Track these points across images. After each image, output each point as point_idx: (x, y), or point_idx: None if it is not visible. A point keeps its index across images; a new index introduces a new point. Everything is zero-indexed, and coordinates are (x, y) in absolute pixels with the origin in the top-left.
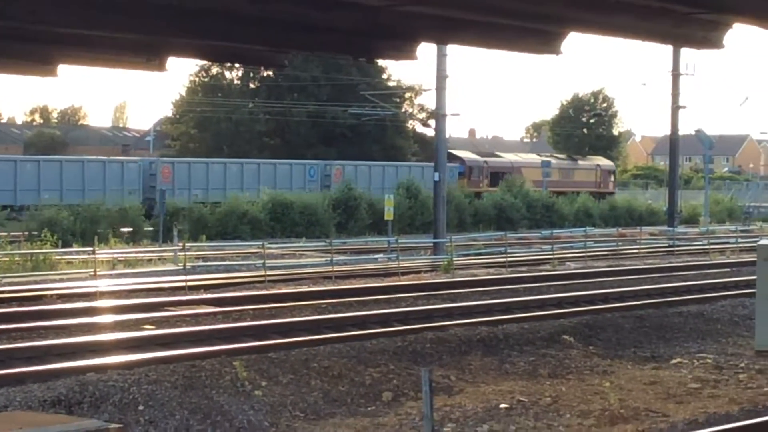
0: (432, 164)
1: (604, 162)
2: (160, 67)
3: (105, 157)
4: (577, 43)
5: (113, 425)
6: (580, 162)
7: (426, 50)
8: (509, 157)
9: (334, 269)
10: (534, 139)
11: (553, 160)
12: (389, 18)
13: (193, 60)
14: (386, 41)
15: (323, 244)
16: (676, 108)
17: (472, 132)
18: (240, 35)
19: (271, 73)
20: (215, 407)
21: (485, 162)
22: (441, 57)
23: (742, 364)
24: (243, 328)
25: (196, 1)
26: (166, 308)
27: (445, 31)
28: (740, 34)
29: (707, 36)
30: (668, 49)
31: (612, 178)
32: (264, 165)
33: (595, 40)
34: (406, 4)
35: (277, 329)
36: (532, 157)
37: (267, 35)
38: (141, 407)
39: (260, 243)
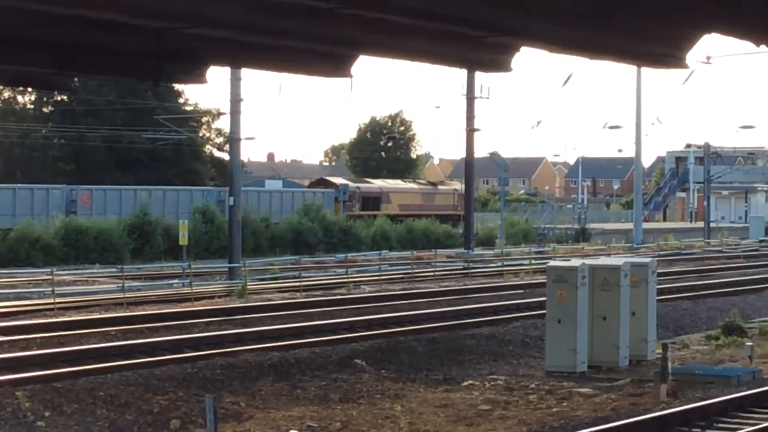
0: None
1: (459, 186)
2: None
3: (32, 185)
4: (374, 66)
5: None
6: (439, 187)
7: (222, 74)
8: (378, 183)
9: (127, 296)
10: (333, 163)
11: (416, 185)
12: (175, 41)
13: None
14: (175, 64)
15: (117, 270)
16: (471, 131)
17: (271, 156)
18: (23, 58)
19: (65, 97)
20: None
21: (357, 188)
22: (235, 81)
23: (533, 385)
24: (28, 357)
25: None
26: None
27: (235, 55)
28: (530, 58)
29: (496, 59)
30: (464, 72)
31: None
32: (168, 192)
33: (392, 63)
34: (189, 27)
35: (65, 357)
36: (398, 183)
37: (51, 58)
38: None
39: (49, 269)
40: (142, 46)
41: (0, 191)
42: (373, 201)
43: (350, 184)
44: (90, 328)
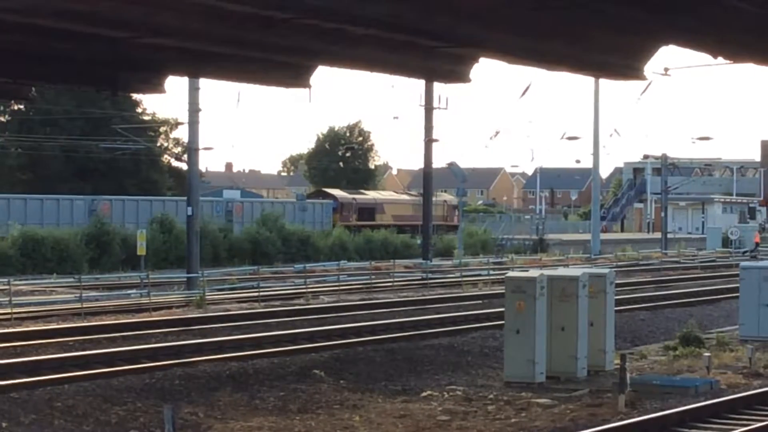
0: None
1: (449, 198)
2: None
3: (58, 195)
4: (333, 77)
5: None
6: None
7: (180, 84)
8: (372, 194)
9: (85, 306)
10: (291, 173)
11: (408, 197)
12: (132, 50)
13: None
14: (132, 74)
15: (74, 280)
16: (429, 141)
17: (229, 166)
18: None
19: (22, 106)
20: None
21: (354, 199)
22: (193, 90)
23: (491, 396)
24: None
25: None
26: None
27: (193, 65)
28: (488, 68)
29: (454, 70)
30: (423, 83)
31: (456, 212)
32: (180, 202)
33: (351, 74)
34: (146, 37)
35: (22, 368)
36: (392, 195)
37: (8, 67)
38: None
39: (6, 280)
40: (99, 56)
41: (30, 201)
42: (368, 212)
43: (348, 195)
44: (47, 339)
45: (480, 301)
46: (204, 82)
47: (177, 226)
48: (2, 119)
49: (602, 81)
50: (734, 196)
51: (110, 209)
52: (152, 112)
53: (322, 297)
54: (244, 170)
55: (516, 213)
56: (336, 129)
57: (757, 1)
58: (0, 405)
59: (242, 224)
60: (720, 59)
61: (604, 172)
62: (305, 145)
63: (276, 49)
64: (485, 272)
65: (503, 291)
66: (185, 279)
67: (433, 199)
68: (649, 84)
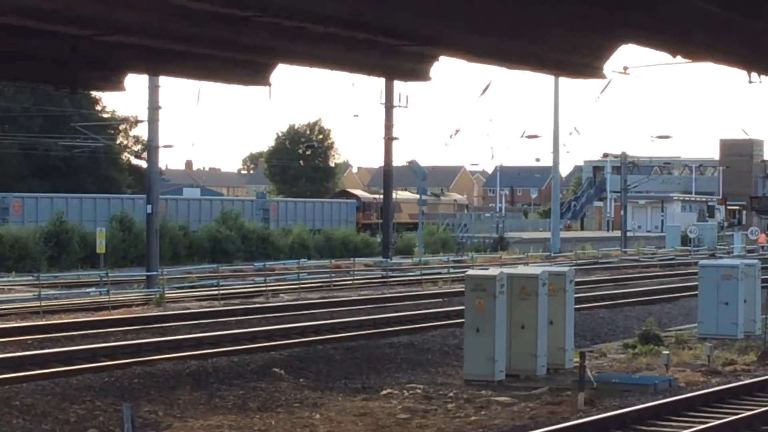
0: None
1: (459, 197)
2: None
3: (107, 195)
4: (293, 74)
5: None
6: (442, 198)
7: (140, 81)
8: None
9: (43, 304)
10: (251, 171)
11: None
12: (90, 47)
13: None
14: (91, 71)
15: (32, 278)
16: (389, 139)
17: (189, 164)
18: None
19: None
20: None
21: (375, 199)
22: (153, 88)
23: (451, 394)
24: None
25: None
26: None
27: (153, 62)
28: (449, 67)
29: (414, 68)
30: (383, 81)
31: (466, 210)
32: (246, 201)
33: (311, 72)
34: (104, 34)
35: None
36: (407, 194)
37: None
38: None
39: None
40: (57, 53)
41: (87, 200)
42: None
43: (369, 195)
44: (6, 337)
45: (440, 299)
46: (164, 80)
47: (136, 224)
48: None
49: (562, 79)
50: (693, 195)
51: (165, 208)
52: (112, 110)
53: (282, 295)
54: (204, 168)
55: (476, 211)
56: (296, 127)
57: (716, 0)
58: None
59: (278, 222)
60: (679, 58)
61: (564, 170)
62: (265, 143)
63: (236, 47)
64: (445, 270)
65: (463, 289)
66: (145, 277)
67: (444, 198)
68: (609, 83)
